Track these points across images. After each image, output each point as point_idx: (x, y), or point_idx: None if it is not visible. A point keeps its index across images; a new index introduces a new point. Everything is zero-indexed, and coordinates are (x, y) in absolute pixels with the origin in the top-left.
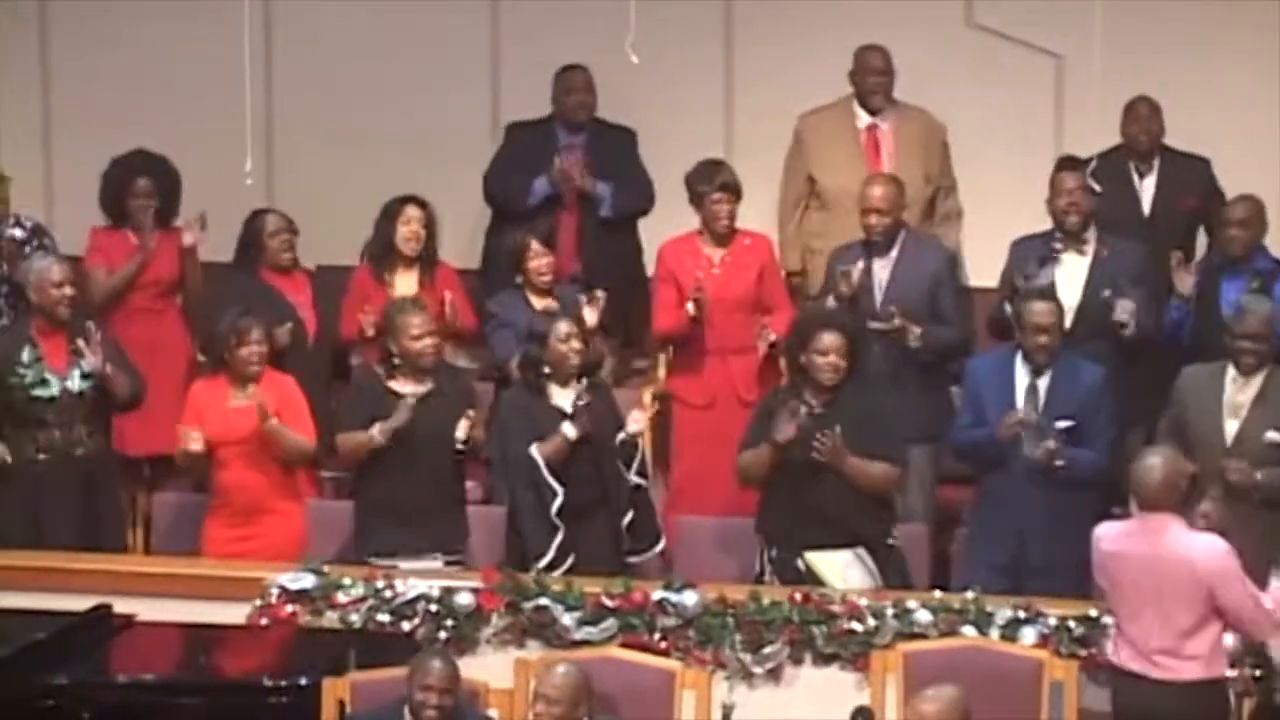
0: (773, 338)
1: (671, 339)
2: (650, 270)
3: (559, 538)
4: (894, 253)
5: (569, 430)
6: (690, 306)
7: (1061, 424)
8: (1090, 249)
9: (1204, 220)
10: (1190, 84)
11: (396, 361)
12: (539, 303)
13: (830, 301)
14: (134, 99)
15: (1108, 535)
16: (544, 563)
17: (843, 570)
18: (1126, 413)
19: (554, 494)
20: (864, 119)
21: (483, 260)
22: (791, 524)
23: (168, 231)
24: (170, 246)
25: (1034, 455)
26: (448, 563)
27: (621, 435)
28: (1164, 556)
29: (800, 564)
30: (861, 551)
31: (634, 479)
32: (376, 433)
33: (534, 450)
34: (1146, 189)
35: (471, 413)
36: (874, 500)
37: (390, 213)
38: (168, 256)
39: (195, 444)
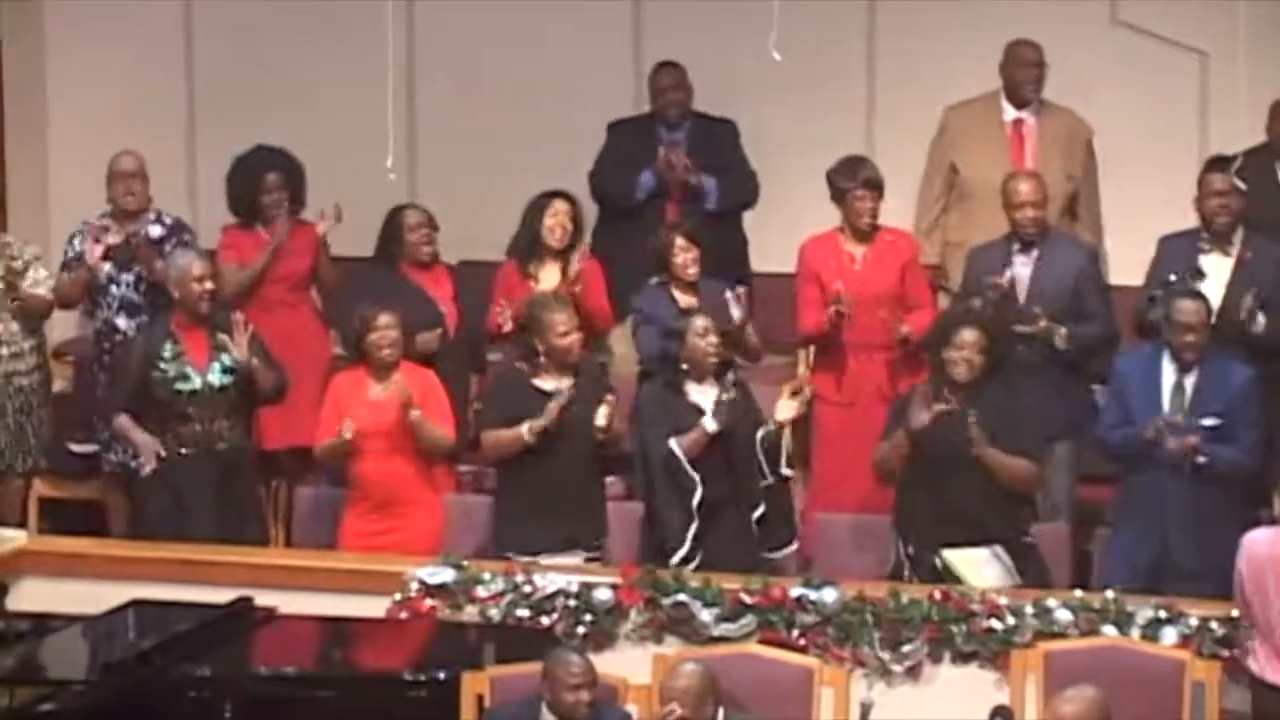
0: (905, 331)
1: (814, 340)
2: (755, 264)
3: (693, 530)
4: (1036, 250)
5: (709, 424)
6: (831, 312)
7: (1208, 421)
8: (1235, 251)
9: None
10: None
11: (541, 359)
12: (683, 299)
13: (975, 302)
14: (276, 94)
15: (1262, 538)
16: (679, 556)
17: (980, 568)
18: (1273, 416)
19: (693, 485)
20: (1010, 113)
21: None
22: (928, 521)
23: (298, 224)
24: (300, 240)
25: (1174, 449)
26: (587, 559)
27: (767, 426)
28: None
29: (937, 561)
30: (999, 549)
31: (770, 476)
32: (526, 432)
33: (673, 443)
34: None
35: (611, 398)
36: (1011, 498)
37: (537, 207)
38: (299, 249)
39: (348, 432)
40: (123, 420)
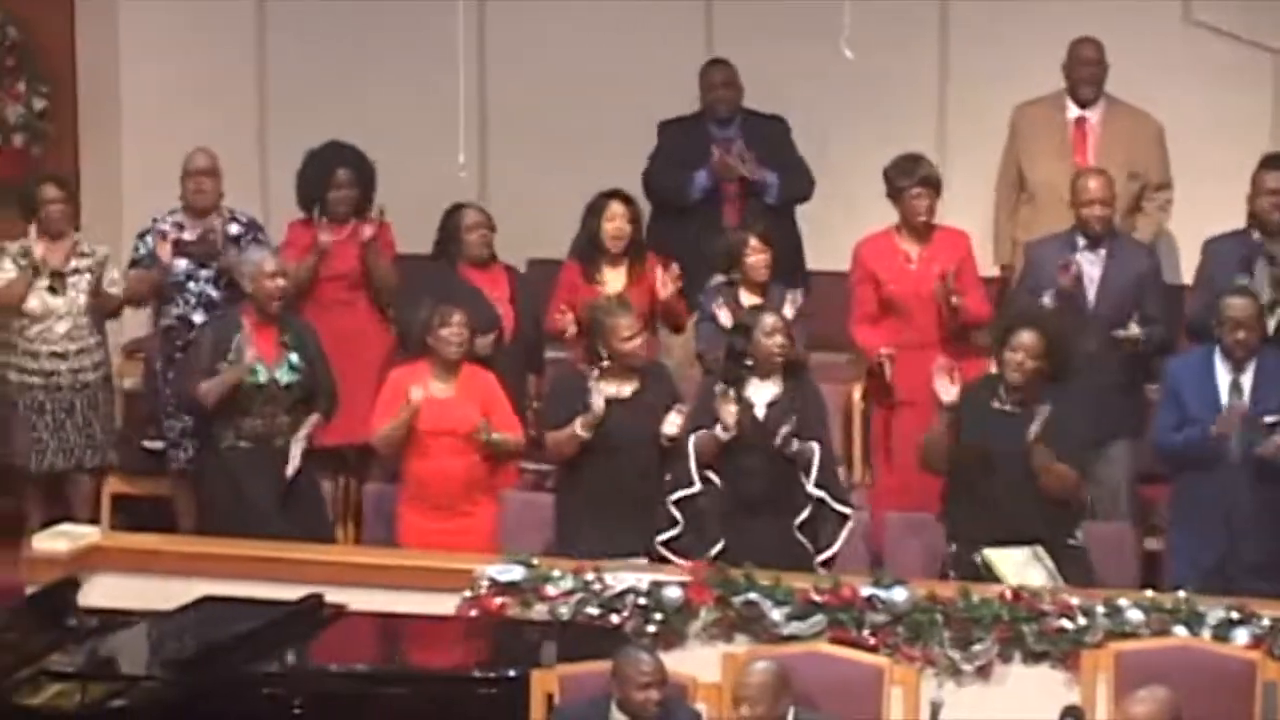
0: (956, 301)
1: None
2: (826, 263)
3: (675, 531)
4: (1103, 249)
5: (721, 432)
6: (877, 360)
7: (1269, 419)
8: None
9: None
10: None
11: (606, 364)
12: (750, 299)
13: (1047, 299)
14: (349, 93)
15: None
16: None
17: (1020, 568)
18: None
19: (689, 484)
20: (1073, 111)
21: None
22: (969, 520)
23: (361, 223)
24: (358, 238)
25: (1262, 451)
26: (649, 563)
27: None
28: None
29: (978, 559)
30: (1040, 550)
31: (814, 490)
32: (579, 427)
33: (691, 439)
34: None
35: (683, 408)
36: (1051, 500)
37: (595, 209)
38: (358, 248)
39: (416, 395)
40: (202, 387)
